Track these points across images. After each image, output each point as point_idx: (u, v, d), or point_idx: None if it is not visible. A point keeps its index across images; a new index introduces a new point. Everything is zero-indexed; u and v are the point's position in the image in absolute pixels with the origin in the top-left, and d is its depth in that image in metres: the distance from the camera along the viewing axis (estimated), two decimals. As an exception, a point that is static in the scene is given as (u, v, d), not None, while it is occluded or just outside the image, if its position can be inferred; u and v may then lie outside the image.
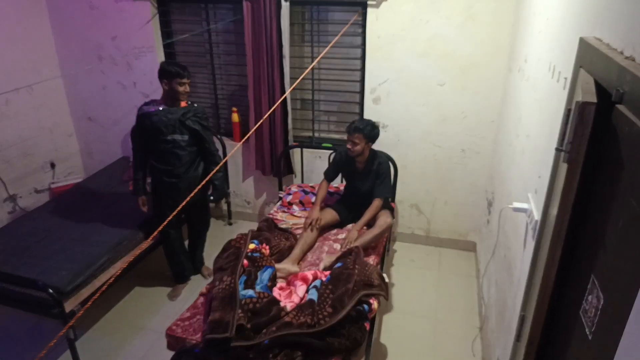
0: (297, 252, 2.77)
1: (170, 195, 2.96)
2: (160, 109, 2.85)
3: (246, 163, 4.07)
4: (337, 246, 2.87)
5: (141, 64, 3.94)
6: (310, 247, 2.90)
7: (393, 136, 3.57)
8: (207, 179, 2.47)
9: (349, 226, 3.06)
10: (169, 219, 1.42)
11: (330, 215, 3.10)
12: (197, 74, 4.00)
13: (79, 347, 2.57)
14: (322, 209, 3.12)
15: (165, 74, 2.80)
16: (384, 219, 2.91)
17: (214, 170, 2.75)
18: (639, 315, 0.74)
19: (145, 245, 2.99)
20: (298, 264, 2.75)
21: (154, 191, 3.09)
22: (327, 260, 2.65)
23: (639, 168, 0.87)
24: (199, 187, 1.82)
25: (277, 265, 2.65)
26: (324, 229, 3.06)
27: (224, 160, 4.02)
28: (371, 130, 2.94)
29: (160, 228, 1.40)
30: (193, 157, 2.95)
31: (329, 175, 3.21)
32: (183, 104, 2.93)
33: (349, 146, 2.94)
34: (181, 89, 2.82)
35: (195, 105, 2.98)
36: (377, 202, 2.98)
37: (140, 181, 3.04)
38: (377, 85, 3.48)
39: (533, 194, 1.84)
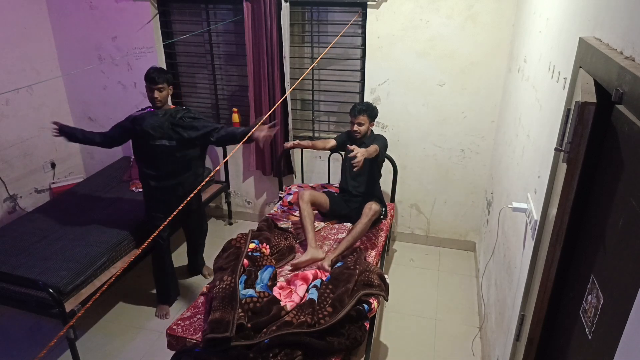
0: (311, 235, 2.79)
1: (158, 200, 2.90)
2: (146, 111, 2.83)
3: (246, 163, 4.07)
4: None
5: (141, 64, 3.93)
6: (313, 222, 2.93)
7: (393, 136, 3.57)
8: (223, 161, 2.38)
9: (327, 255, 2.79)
10: (165, 224, 1.41)
11: (322, 197, 3.13)
12: (197, 75, 4.00)
13: (79, 347, 2.57)
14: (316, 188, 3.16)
15: (145, 78, 2.77)
16: (368, 206, 2.87)
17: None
18: (638, 315, 0.74)
19: (145, 245, 2.98)
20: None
21: (144, 197, 3.02)
22: (326, 260, 2.65)
23: (639, 168, 0.87)
24: (194, 193, 1.79)
25: (301, 259, 2.65)
26: (314, 205, 3.07)
27: (224, 161, 4.03)
28: (373, 110, 3.07)
29: (155, 234, 1.39)
30: (184, 163, 2.86)
31: (338, 138, 3.24)
32: (172, 107, 2.88)
33: (355, 128, 3.01)
34: (149, 94, 2.75)
35: (184, 107, 2.89)
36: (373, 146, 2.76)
37: (77, 133, 2.86)
38: (377, 85, 3.49)
39: (532, 194, 1.84)
